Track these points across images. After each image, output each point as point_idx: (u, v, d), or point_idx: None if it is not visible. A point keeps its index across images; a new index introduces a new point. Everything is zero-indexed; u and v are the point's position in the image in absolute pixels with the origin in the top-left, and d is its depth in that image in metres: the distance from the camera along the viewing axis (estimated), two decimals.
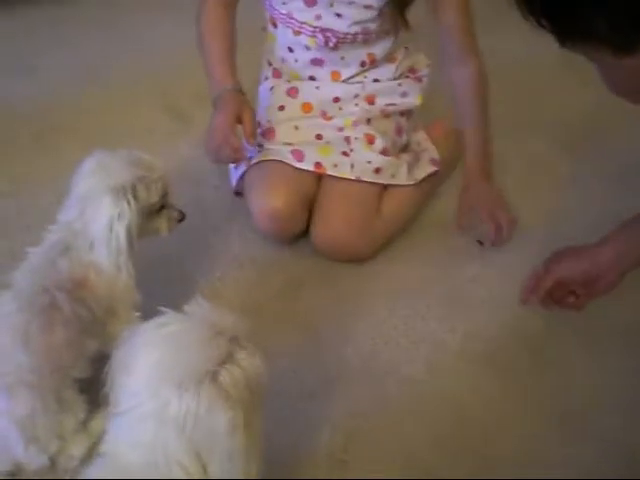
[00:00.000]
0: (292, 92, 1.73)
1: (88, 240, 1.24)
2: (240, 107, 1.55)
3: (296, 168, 1.64)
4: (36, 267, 1.25)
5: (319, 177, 1.68)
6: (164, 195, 1.32)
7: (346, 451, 1.32)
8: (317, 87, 1.72)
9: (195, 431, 0.86)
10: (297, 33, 1.68)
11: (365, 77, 1.73)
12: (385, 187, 1.70)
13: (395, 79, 1.76)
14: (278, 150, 1.66)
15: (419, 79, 1.79)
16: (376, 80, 1.74)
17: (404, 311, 1.59)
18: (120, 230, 1.23)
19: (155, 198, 1.30)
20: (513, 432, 1.38)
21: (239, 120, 1.55)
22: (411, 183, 1.72)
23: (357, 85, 1.73)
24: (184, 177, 1.83)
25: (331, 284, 1.65)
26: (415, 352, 1.51)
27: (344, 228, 1.61)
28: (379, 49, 1.70)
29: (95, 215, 1.23)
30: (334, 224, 1.63)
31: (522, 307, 1.28)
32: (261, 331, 1.07)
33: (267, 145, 1.67)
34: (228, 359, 0.90)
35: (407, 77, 1.78)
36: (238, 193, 1.78)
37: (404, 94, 1.77)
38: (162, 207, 1.34)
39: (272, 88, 1.76)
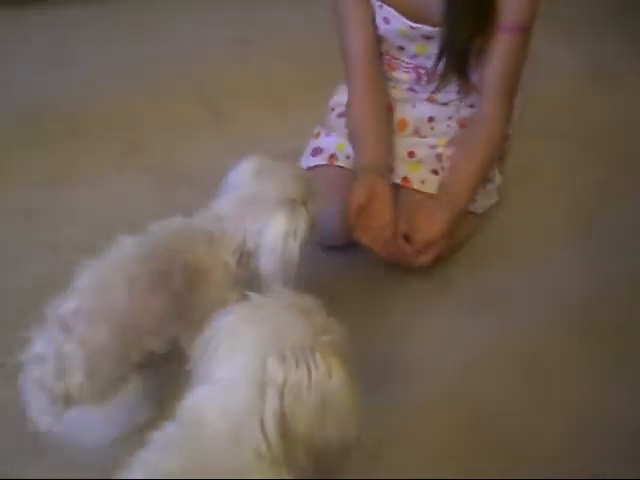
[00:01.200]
0: (390, 107, 1.74)
1: (236, 242, 1.24)
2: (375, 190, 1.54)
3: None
4: (172, 233, 1.25)
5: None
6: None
7: (380, 445, 1.32)
8: (413, 106, 1.74)
9: (308, 395, 0.93)
10: (392, 69, 1.72)
11: (461, 102, 1.73)
12: None
13: None
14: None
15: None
16: (471, 106, 1.74)
17: (436, 311, 1.60)
18: (294, 246, 1.24)
19: (316, 214, 1.31)
20: (544, 433, 1.39)
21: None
22: (479, 212, 1.72)
23: (452, 107, 1.74)
24: (214, 174, 1.85)
25: (369, 285, 1.65)
26: (448, 352, 1.52)
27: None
28: (474, 78, 1.67)
29: (268, 226, 1.23)
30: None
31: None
32: None
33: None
34: (323, 331, 0.98)
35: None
36: None
37: None
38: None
39: None
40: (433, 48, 1.62)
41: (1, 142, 1.99)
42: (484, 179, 1.67)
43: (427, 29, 1.59)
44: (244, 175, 1.29)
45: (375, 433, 1.31)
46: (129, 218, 1.34)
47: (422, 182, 1.66)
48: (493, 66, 1.60)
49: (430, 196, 1.62)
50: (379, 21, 1.63)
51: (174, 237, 1.24)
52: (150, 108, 2.16)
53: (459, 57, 1.59)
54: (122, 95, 2.22)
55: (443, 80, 1.65)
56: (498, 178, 1.76)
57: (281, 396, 0.93)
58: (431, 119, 1.74)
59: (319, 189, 1.36)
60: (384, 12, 1.62)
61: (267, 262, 1.25)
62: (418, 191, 1.65)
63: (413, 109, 1.74)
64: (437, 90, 1.68)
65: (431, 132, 1.74)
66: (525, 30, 1.57)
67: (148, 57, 2.47)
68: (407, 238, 1.54)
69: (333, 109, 1.81)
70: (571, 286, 1.68)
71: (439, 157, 1.69)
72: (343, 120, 1.74)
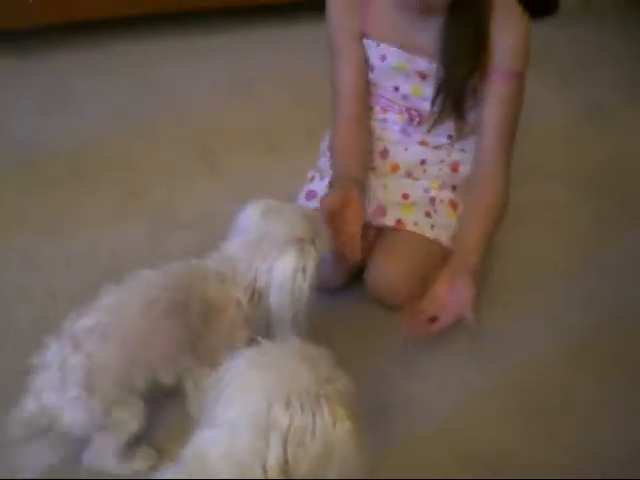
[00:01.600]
0: (383, 154, 1.77)
1: (248, 280, 1.29)
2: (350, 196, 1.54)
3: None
4: (188, 271, 1.30)
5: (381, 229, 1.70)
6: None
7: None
8: (406, 149, 1.76)
9: (312, 442, 0.95)
10: (385, 110, 1.74)
11: (452, 145, 1.76)
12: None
13: None
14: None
15: None
16: (463, 150, 1.76)
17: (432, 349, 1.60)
18: (303, 284, 1.29)
19: (324, 252, 1.35)
20: (544, 465, 1.40)
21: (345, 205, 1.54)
22: None
23: (444, 151, 1.76)
24: (210, 219, 1.86)
25: (366, 325, 1.66)
26: (448, 391, 1.53)
27: (406, 280, 1.61)
28: (470, 117, 1.70)
29: (277, 263, 1.27)
30: (395, 273, 1.62)
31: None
32: None
33: None
34: (329, 380, 1.00)
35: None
36: None
37: None
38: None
39: None
40: (428, 90, 1.64)
41: (2, 186, 2.01)
42: (493, 235, 1.65)
43: (424, 64, 1.62)
44: (252, 217, 1.33)
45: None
46: (127, 263, 1.36)
47: (415, 224, 1.67)
48: (490, 114, 1.61)
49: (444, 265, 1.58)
50: (375, 60, 1.66)
51: (190, 274, 1.29)
52: (149, 153, 2.19)
53: (455, 95, 1.62)
54: (121, 140, 2.25)
55: (438, 119, 1.67)
56: None
57: (285, 441, 0.94)
58: (423, 162, 1.76)
59: (325, 229, 1.39)
60: (381, 50, 1.65)
61: (277, 298, 1.29)
62: (412, 233, 1.66)
63: (405, 152, 1.76)
64: (431, 129, 1.71)
65: (424, 175, 1.75)
66: (520, 76, 1.59)
67: (147, 103, 2.50)
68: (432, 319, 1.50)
69: (325, 152, 1.83)
70: (570, 324, 1.69)
71: (432, 200, 1.71)
72: None
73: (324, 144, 1.84)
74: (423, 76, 1.64)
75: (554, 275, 1.81)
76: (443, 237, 1.67)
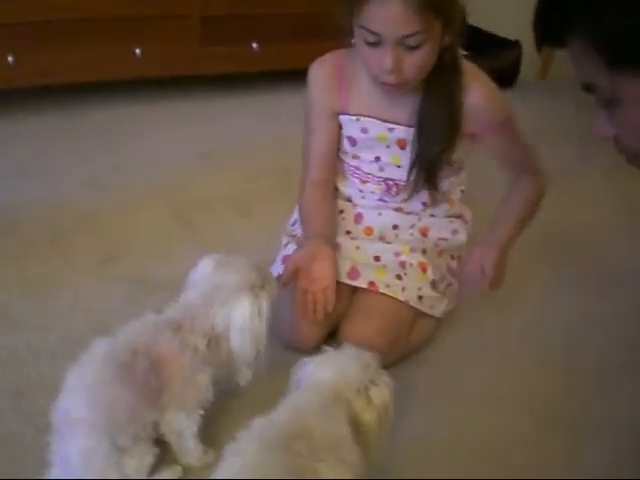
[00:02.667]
0: (358, 219, 1.86)
1: (206, 327, 1.39)
2: (321, 251, 1.71)
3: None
4: (141, 330, 1.38)
5: (355, 290, 1.78)
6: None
7: None
8: (380, 214, 1.85)
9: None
10: (364, 182, 1.84)
11: (424, 211, 1.86)
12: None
13: (447, 217, 1.89)
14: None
15: (466, 221, 1.93)
16: (432, 215, 1.87)
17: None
18: (260, 325, 1.42)
19: (273, 297, 1.47)
20: None
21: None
22: (438, 315, 1.83)
23: (415, 216, 1.86)
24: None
25: None
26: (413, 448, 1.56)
27: (377, 338, 1.66)
28: (443, 186, 1.82)
29: (234, 309, 1.39)
30: (368, 331, 1.68)
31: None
32: None
33: None
34: (375, 380, 1.31)
35: (458, 217, 1.91)
36: None
37: (455, 232, 1.89)
38: None
39: (342, 211, 1.87)
40: (405, 159, 1.75)
41: None
42: (529, 221, 1.81)
43: (403, 131, 1.73)
44: (205, 270, 1.46)
45: None
46: (106, 326, 1.43)
47: (387, 286, 1.74)
48: (500, 156, 1.81)
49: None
50: (356, 133, 1.77)
51: (139, 332, 1.37)
52: (125, 218, 2.27)
53: (429, 169, 1.74)
54: (97, 206, 2.34)
55: (414, 190, 1.78)
56: (455, 283, 1.88)
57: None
58: (395, 227, 1.85)
59: (272, 276, 1.54)
60: (361, 124, 1.76)
61: (238, 341, 1.41)
62: (384, 295, 1.74)
63: (379, 217, 1.85)
64: (408, 199, 1.82)
65: (395, 239, 1.84)
66: (507, 119, 1.74)
67: (123, 168, 2.60)
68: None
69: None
70: (530, 380, 1.77)
71: (402, 264, 1.79)
72: None
73: (296, 212, 1.93)
74: (402, 145, 1.75)
75: (507, 334, 1.91)
76: (414, 299, 1.75)
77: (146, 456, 1.32)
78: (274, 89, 3.26)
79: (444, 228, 1.89)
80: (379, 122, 1.74)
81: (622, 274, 2.20)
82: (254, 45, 3.19)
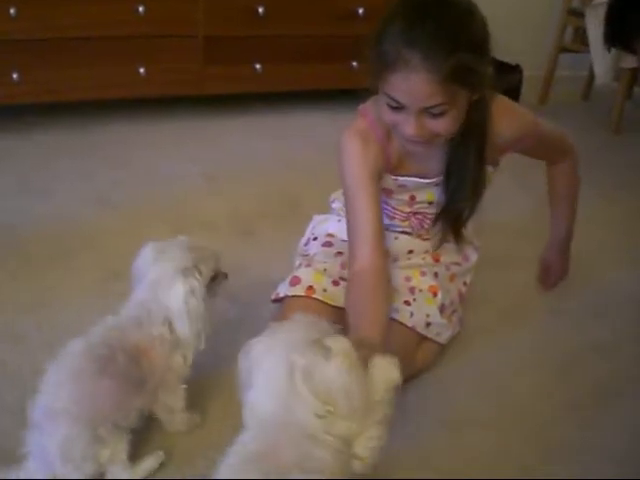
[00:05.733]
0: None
1: (161, 316, 1.46)
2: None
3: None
4: (109, 329, 1.46)
5: None
6: (216, 266, 1.57)
7: None
8: (396, 238, 1.85)
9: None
10: (391, 218, 1.84)
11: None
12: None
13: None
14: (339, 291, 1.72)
15: (476, 248, 1.96)
16: (447, 241, 1.87)
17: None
18: (195, 302, 1.47)
19: (211, 272, 1.54)
20: None
21: None
22: (442, 342, 1.83)
23: (428, 242, 1.86)
24: None
25: None
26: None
27: None
28: (467, 233, 1.86)
29: (170, 294, 1.46)
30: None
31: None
32: None
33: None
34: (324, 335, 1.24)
35: (469, 244, 1.93)
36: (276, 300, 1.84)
37: (466, 257, 1.92)
38: (215, 275, 1.57)
39: None
40: (437, 195, 1.76)
41: None
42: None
43: (437, 179, 1.74)
44: (145, 262, 1.53)
45: None
46: None
47: (396, 311, 1.72)
48: (539, 158, 1.94)
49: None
50: (393, 187, 1.77)
51: (107, 330, 1.45)
52: (128, 235, 2.26)
53: (454, 222, 1.77)
54: (100, 223, 2.35)
55: (442, 240, 1.83)
56: (460, 309, 1.90)
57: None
58: (410, 251, 1.85)
59: (210, 253, 1.57)
60: (398, 182, 1.75)
61: (179, 323, 1.47)
62: (392, 319, 1.69)
63: (396, 241, 1.85)
64: (437, 248, 1.86)
65: (407, 263, 1.84)
66: (535, 127, 1.77)
67: (126, 186, 2.62)
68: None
69: (316, 238, 1.91)
70: (533, 408, 1.76)
71: (412, 290, 1.78)
72: (323, 249, 1.86)
73: (309, 228, 1.94)
74: (437, 184, 1.75)
75: (506, 360, 1.91)
76: (421, 325, 1.75)
77: (119, 444, 1.37)
78: (276, 110, 3.27)
79: (456, 253, 1.90)
80: (415, 179, 1.75)
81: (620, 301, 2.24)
82: (257, 66, 3.22)
